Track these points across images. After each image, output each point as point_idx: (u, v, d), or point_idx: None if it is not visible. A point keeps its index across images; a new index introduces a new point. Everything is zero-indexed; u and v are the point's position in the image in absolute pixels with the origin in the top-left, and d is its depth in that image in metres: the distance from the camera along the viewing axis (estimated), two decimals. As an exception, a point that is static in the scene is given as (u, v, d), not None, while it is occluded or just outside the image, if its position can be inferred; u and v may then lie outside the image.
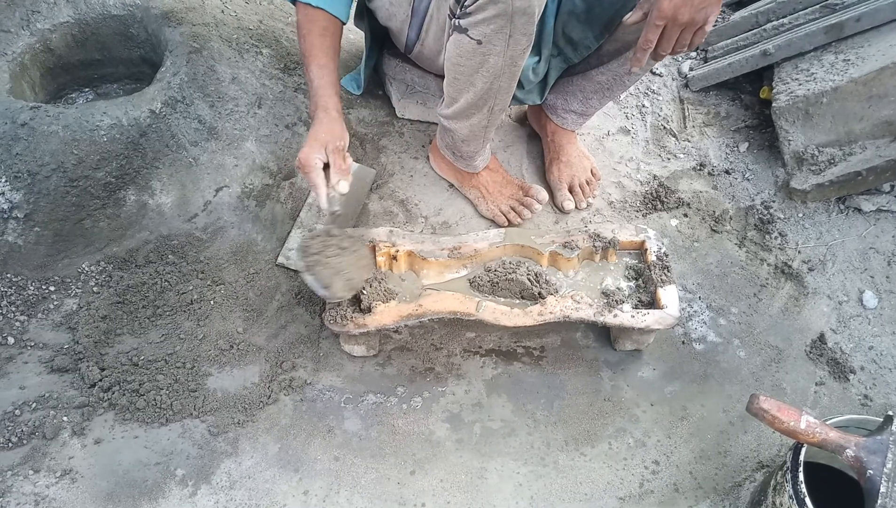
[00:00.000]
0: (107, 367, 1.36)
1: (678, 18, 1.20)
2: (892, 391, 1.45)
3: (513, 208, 1.66)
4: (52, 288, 1.44)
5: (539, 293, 1.40)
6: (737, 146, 1.90)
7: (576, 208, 1.73)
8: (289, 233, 1.59)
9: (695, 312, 1.57)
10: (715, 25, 2.14)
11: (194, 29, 1.62)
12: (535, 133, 1.86)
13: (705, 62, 2.09)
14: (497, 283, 1.42)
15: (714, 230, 1.72)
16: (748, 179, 1.82)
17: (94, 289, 1.44)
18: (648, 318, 1.36)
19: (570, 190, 1.73)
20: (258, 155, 1.61)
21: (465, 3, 1.21)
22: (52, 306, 1.42)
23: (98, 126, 1.41)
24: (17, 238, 1.40)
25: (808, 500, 1.03)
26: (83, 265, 1.46)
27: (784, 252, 1.68)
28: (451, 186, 1.74)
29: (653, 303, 1.40)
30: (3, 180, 1.37)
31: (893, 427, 1.04)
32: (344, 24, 1.39)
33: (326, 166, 1.26)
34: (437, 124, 1.64)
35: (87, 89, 1.77)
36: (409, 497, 1.27)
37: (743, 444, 1.37)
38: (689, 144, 1.92)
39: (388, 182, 1.73)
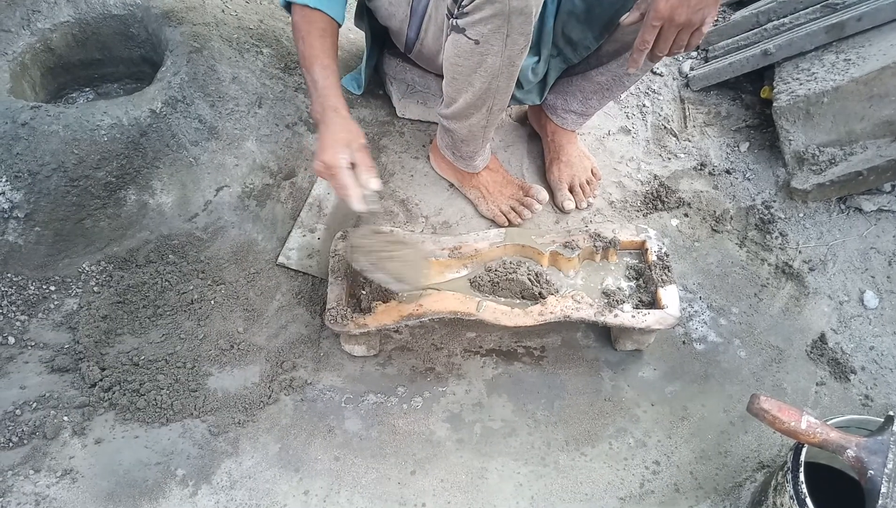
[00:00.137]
0: (107, 367, 1.36)
1: (675, 19, 1.20)
2: (893, 392, 1.45)
3: (513, 208, 1.66)
4: (52, 288, 1.44)
5: (539, 293, 1.40)
6: (737, 146, 1.90)
7: (576, 207, 1.73)
8: (289, 233, 1.59)
9: (695, 312, 1.57)
10: (716, 25, 2.14)
11: (195, 28, 1.62)
12: (536, 133, 1.86)
13: (706, 62, 2.09)
14: (497, 283, 1.42)
15: (715, 230, 1.72)
16: (749, 179, 1.82)
17: (95, 289, 1.44)
18: (649, 318, 1.36)
19: (571, 190, 1.73)
20: (259, 155, 1.61)
21: (463, 3, 1.21)
22: (52, 306, 1.42)
23: (98, 126, 1.41)
24: (17, 238, 1.40)
25: (808, 500, 1.03)
26: (84, 265, 1.46)
27: (785, 252, 1.67)
28: (452, 185, 1.74)
29: (653, 303, 1.40)
30: (4, 180, 1.37)
31: (894, 428, 1.04)
32: (340, 25, 1.39)
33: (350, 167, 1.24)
34: (437, 124, 1.64)
35: (87, 89, 1.77)
36: (410, 497, 1.27)
37: (743, 444, 1.37)
38: (689, 143, 1.92)
39: (388, 182, 1.73)
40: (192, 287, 1.47)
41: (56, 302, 1.43)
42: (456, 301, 1.36)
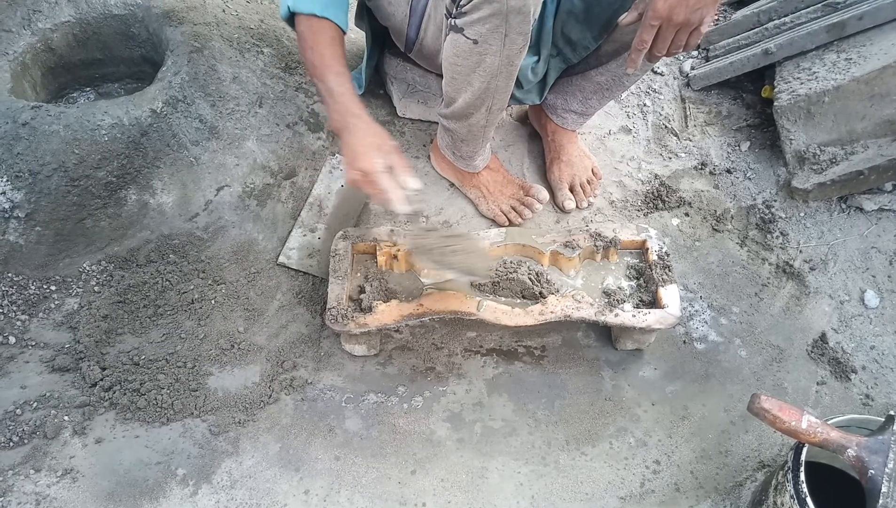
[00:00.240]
0: (108, 366, 1.36)
1: (673, 19, 1.20)
2: (894, 391, 1.45)
3: (513, 208, 1.66)
4: (53, 287, 1.44)
5: (540, 293, 1.40)
6: (738, 145, 1.90)
7: (577, 207, 1.73)
8: (290, 232, 1.59)
9: (696, 311, 1.57)
10: (716, 24, 2.14)
11: (195, 28, 1.62)
12: (536, 132, 1.86)
13: (707, 61, 2.09)
14: (498, 282, 1.42)
15: (715, 230, 1.72)
16: (750, 179, 1.82)
17: (95, 288, 1.45)
18: (649, 317, 1.36)
19: (571, 189, 1.73)
20: (259, 154, 1.61)
21: (461, 3, 1.21)
22: (53, 306, 1.43)
23: (99, 126, 1.41)
24: (18, 238, 1.40)
25: (809, 500, 1.03)
26: (84, 265, 1.46)
27: (785, 251, 1.67)
28: (452, 185, 1.74)
29: (654, 302, 1.40)
30: (5, 180, 1.37)
31: (895, 427, 1.04)
32: (345, 33, 1.38)
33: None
34: (437, 124, 1.64)
35: (88, 89, 1.77)
36: (410, 497, 1.27)
37: (744, 444, 1.37)
38: (690, 143, 1.92)
39: (388, 181, 1.73)
40: (192, 287, 1.47)
41: (57, 302, 1.43)
42: (456, 301, 1.36)
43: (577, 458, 1.34)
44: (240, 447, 1.31)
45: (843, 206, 1.70)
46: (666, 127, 1.95)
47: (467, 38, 1.24)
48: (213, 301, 1.47)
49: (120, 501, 1.22)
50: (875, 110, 1.62)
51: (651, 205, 1.75)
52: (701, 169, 1.85)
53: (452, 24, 1.25)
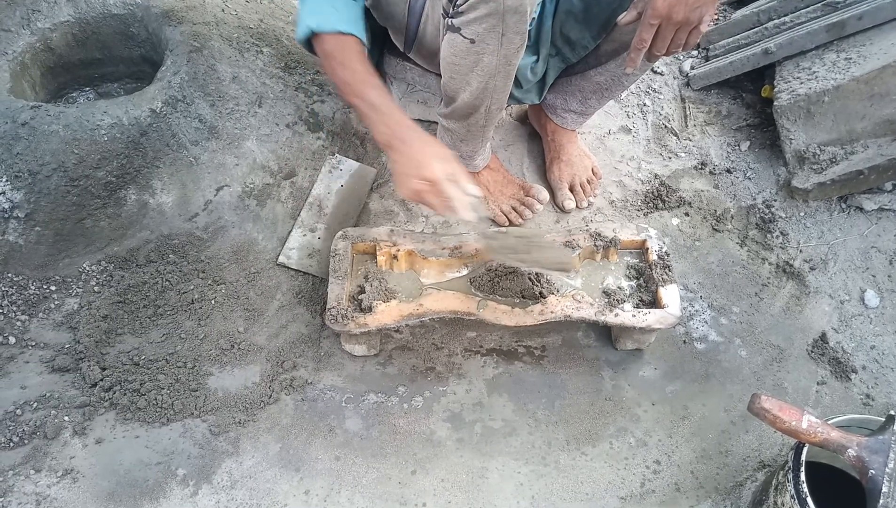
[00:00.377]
0: (108, 367, 1.36)
1: (672, 17, 1.20)
2: (894, 391, 1.45)
3: (514, 208, 1.66)
4: (53, 288, 1.44)
5: (540, 293, 1.40)
6: (738, 145, 1.90)
7: (577, 207, 1.73)
8: (290, 232, 1.59)
9: (696, 311, 1.57)
10: (716, 23, 2.14)
11: (195, 28, 1.62)
12: (536, 132, 1.86)
13: (706, 61, 2.09)
14: (498, 282, 1.42)
15: (715, 229, 1.72)
16: (749, 178, 1.82)
17: (95, 288, 1.44)
18: (650, 317, 1.36)
19: (571, 189, 1.73)
20: (259, 154, 1.61)
21: (458, 2, 1.21)
22: (53, 306, 1.42)
23: (99, 125, 1.41)
24: (17, 238, 1.40)
25: (809, 500, 1.03)
26: (84, 265, 1.46)
27: (785, 251, 1.67)
28: (452, 185, 1.73)
29: (654, 302, 1.40)
30: (4, 180, 1.37)
31: (895, 427, 1.04)
32: (367, 49, 1.37)
33: None
34: (437, 123, 1.63)
35: (87, 88, 1.76)
36: (410, 497, 1.27)
37: (744, 444, 1.37)
38: (690, 142, 1.92)
39: (388, 181, 1.73)
40: (192, 287, 1.47)
41: (56, 302, 1.43)
42: (456, 301, 1.36)
43: (578, 458, 1.34)
44: (240, 447, 1.31)
45: (843, 205, 1.70)
46: (666, 127, 1.95)
47: (464, 37, 1.24)
48: (213, 301, 1.46)
49: (120, 501, 1.22)
50: (875, 110, 1.62)
51: (651, 205, 1.75)
52: (701, 169, 1.85)
53: (449, 23, 1.25)
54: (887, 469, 1.00)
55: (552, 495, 1.29)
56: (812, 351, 1.51)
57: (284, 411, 1.36)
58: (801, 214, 1.71)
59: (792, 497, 1.05)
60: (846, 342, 1.52)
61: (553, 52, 1.54)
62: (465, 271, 1.46)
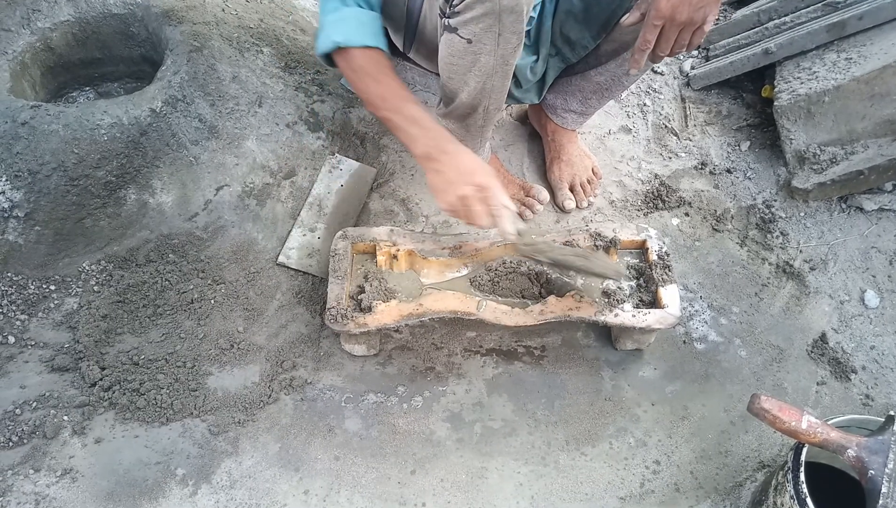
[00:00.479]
0: (107, 366, 1.36)
1: (676, 18, 1.20)
2: (894, 391, 1.45)
3: (514, 208, 1.66)
4: (52, 287, 1.44)
5: (540, 293, 1.40)
6: (738, 145, 1.90)
7: (577, 207, 1.73)
8: (289, 232, 1.59)
9: (696, 311, 1.57)
10: (717, 24, 2.14)
11: (195, 28, 1.62)
12: (536, 132, 1.86)
13: (707, 61, 2.09)
14: (498, 282, 1.41)
15: (715, 229, 1.72)
16: (750, 179, 1.82)
17: (95, 288, 1.44)
18: (649, 317, 1.36)
19: (571, 189, 1.73)
20: (259, 154, 1.61)
21: (454, 3, 1.21)
22: (52, 306, 1.42)
23: (99, 125, 1.41)
24: (17, 237, 1.40)
25: (809, 500, 1.03)
26: (84, 264, 1.46)
27: (785, 251, 1.67)
28: (452, 185, 1.73)
29: (654, 302, 1.40)
30: (4, 179, 1.37)
31: (895, 427, 1.04)
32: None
33: None
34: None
35: (87, 88, 1.76)
36: (410, 497, 1.27)
37: (744, 444, 1.37)
38: (690, 142, 1.92)
39: (388, 181, 1.73)
40: (192, 287, 1.47)
41: (56, 301, 1.43)
42: (456, 301, 1.36)
43: (577, 458, 1.34)
44: (239, 447, 1.31)
45: (844, 206, 1.70)
46: (666, 127, 1.95)
47: (461, 37, 1.24)
48: (212, 301, 1.46)
49: (119, 501, 1.22)
50: (875, 110, 1.62)
51: (651, 205, 1.75)
52: (701, 169, 1.85)
53: (446, 23, 1.25)
54: (887, 470, 1.00)
55: (552, 495, 1.29)
56: (812, 351, 1.51)
57: (284, 411, 1.36)
58: (802, 214, 1.71)
59: (791, 497, 1.05)
60: (846, 343, 1.52)
61: (553, 52, 1.54)
62: (465, 271, 1.46)
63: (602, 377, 1.45)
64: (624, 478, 1.32)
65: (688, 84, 2.06)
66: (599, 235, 1.47)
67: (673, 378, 1.46)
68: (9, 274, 1.41)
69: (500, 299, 1.41)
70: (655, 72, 2.09)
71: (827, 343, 1.52)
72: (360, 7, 1.33)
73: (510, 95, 1.58)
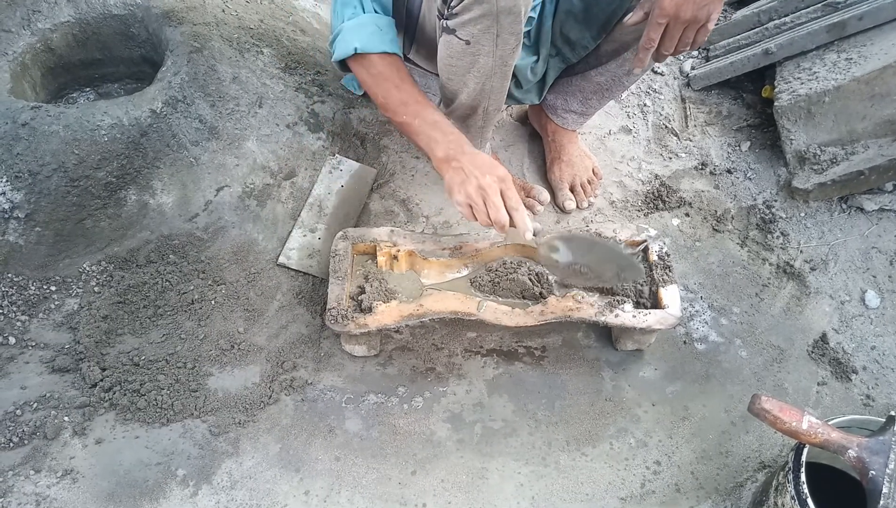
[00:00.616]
0: (108, 367, 1.36)
1: (680, 16, 1.20)
2: (895, 391, 1.45)
3: (514, 209, 1.66)
4: (53, 288, 1.44)
5: (540, 293, 1.40)
6: (739, 145, 1.90)
7: (577, 207, 1.73)
8: (290, 233, 1.59)
9: (696, 312, 1.57)
10: (717, 24, 2.14)
11: (195, 28, 1.62)
12: (537, 132, 1.86)
13: (707, 61, 2.09)
14: (498, 283, 1.41)
15: (716, 230, 1.72)
16: (750, 179, 1.82)
17: (95, 289, 1.44)
18: (650, 318, 1.35)
19: (572, 190, 1.73)
20: (259, 155, 1.61)
21: (451, 4, 1.21)
22: (53, 306, 1.42)
23: (99, 126, 1.41)
24: (18, 238, 1.40)
25: (809, 501, 1.03)
26: (84, 265, 1.46)
27: (786, 252, 1.67)
28: (453, 185, 1.73)
29: (654, 303, 1.40)
30: (4, 180, 1.37)
31: (895, 428, 1.04)
32: None
33: None
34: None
35: (87, 89, 1.76)
36: (410, 497, 1.27)
37: (745, 444, 1.37)
38: (690, 143, 1.92)
39: (389, 182, 1.73)
40: (192, 287, 1.47)
41: (57, 302, 1.43)
42: (456, 301, 1.36)
43: (578, 459, 1.34)
44: (240, 447, 1.30)
45: (844, 206, 1.70)
46: (666, 127, 1.95)
47: (459, 38, 1.24)
48: (213, 302, 1.46)
49: (120, 502, 1.22)
50: (875, 110, 1.62)
51: (651, 205, 1.75)
52: (701, 169, 1.85)
53: (444, 25, 1.25)
54: (888, 470, 1.00)
55: (552, 495, 1.29)
56: (812, 352, 1.51)
57: (284, 411, 1.36)
58: (802, 214, 1.71)
59: (792, 497, 1.05)
60: (847, 343, 1.52)
61: (553, 53, 1.54)
62: (465, 272, 1.46)
63: (603, 377, 1.45)
64: (625, 479, 1.32)
65: (688, 84, 2.06)
66: (600, 235, 1.47)
67: (673, 379, 1.46)
68: (9, 275, 1.42)
69: (500, 299, 1.41)
70: (655, 72, 2.09)
71: (827, 344, 1.51)
72: (377, 12, 1.33)
73: (511, 96, 1.58)
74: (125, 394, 1.32)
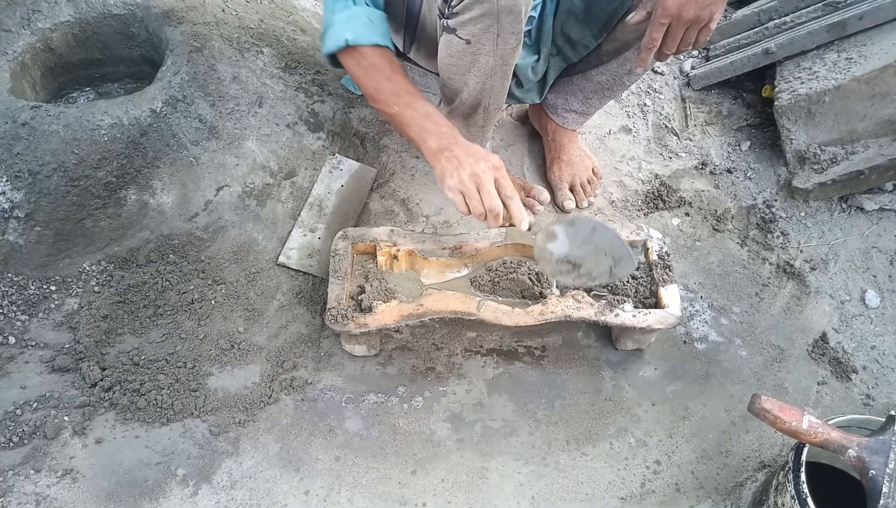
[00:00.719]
0: (108, 367, 1.36)
1: (683, 16, 1.20)
2: (895, 391, 1.45)
3: (514, 208, 1.66)
4: (53, 288, 1.44)
5: (540, 293, 1.40)
6: (739, 145, 1.90)
7: (577, 207, 1.73)
8: (290, 232, 1.59)
9: (696, 311, 1.57)
10: (717, 23, 2.14)
11: (195, 28, 1.62)
12: (537, 132, 1.86)
13: (707, 60, 2.09)
14: (498, 282, 1.41)
15: (716, 229, 1.72)
16: (750, 178, 1.82)
17: (95, 288, 1.44)
18: (650, 317, 1.35)
19: (572, 189, 1.73)
20: (259, 154, 1.61)
21: (452, 3, 1.21)
22: (53, 306, 1.42)
23: (99, 125, 1.41)
24: (18, 238, 1.40)
25: (809, 500, 1.03)
26: (84, 265, 1.46)
27: (786, 251, 1.67)
28: (453, 185, 1.73)
29: (654, 302, 1.40)
30: (4, 180, 1.37)
31: (895, 427, 1.04)
32: None
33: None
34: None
35: (87, 89, 1.76)
36: (410, 497, 1.27)
37: (745, 444, 1.37)
38: (690, 142, 1.92)
39: (389, 181, 1.73)
40: (192, 287, 1.47)
41: (56, 302, 1.43)
42: (456, 301, 1.36)
43: (578, 458, 1.34)
44: (240, 447, 1.30)
45: (844, 205, 1.70)
46: (666, 127, 1.95)
47: (460, 38, 1.24)
48: (212, 301, 1.46)
49: (120, 501, 1.22)
50: (876, 110, 1.62)
51: (651, 205, 1.75)
52: (701, 169, 1.85)
53: (445, 24, 1.25)
54: (888, 470, 1.00)
55: (552, 495, 1.29)
56: (812, 351, 1.51)
57: (284, 411, 1.36)
58: (802, 214, 1.71)
59: (792, 497, 1.05)
60: (847, 343, 1.52)
61: (554, 52, 1.54)
62: (465, 272, 1.46)
63: (602, 377, 1.45)
64: (624, 478, 1.32)
65: (688, 84, 2.06)
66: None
67: (673, 378, 1.46)
68: (9, 275, 1.42)
69: (500, 299, 1.41)
70: (656, 72, 2.09)
71: (828, 343, 1.51)
72: (368, 6, 1.32)
73: (511, 95, 1.58)
74: (125, 394, 1.32)
